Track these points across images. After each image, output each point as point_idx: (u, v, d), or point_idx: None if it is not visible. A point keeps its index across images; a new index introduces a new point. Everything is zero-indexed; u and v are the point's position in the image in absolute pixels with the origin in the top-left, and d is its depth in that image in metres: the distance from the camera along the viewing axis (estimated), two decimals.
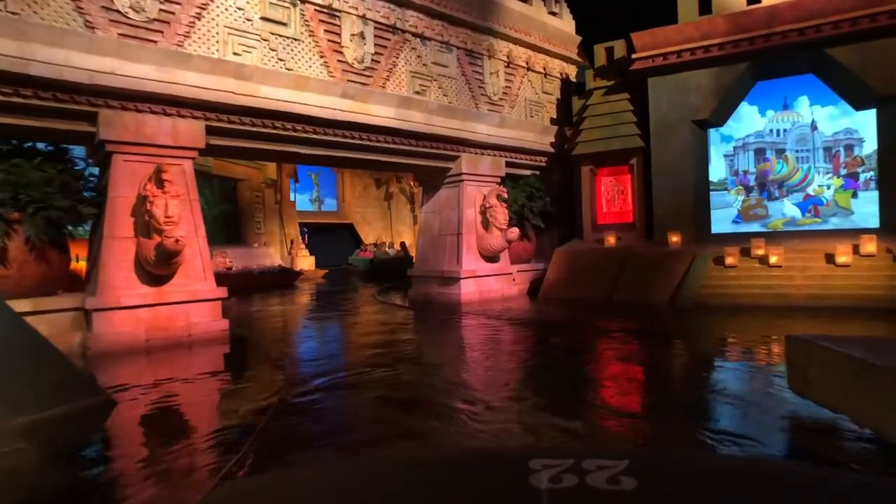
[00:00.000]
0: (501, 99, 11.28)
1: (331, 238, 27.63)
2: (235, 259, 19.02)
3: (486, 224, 10.55)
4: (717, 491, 1.04)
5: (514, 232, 10.14)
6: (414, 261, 11.69)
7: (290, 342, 7.49)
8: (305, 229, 27.04)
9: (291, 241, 24.07)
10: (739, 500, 1.01)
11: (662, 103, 9.99)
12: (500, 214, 10.33)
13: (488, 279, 10.74)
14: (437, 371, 5.39)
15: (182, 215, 7.19)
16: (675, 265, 9.45)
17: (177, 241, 6.32)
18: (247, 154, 8.91)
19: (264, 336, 7.89)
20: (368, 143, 9.03)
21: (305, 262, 23.37)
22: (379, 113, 8.88)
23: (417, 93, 9.68)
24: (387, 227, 29.30)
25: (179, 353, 6.73)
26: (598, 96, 11.01)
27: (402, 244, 24.22)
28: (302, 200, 27.08)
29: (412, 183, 27.02)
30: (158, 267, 6.71)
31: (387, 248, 24.66)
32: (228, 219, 22.61)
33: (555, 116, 12.58)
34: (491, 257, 10.79)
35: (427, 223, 11.38)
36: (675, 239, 9.80)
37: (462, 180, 10.61)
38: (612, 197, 11.22)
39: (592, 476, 1.02)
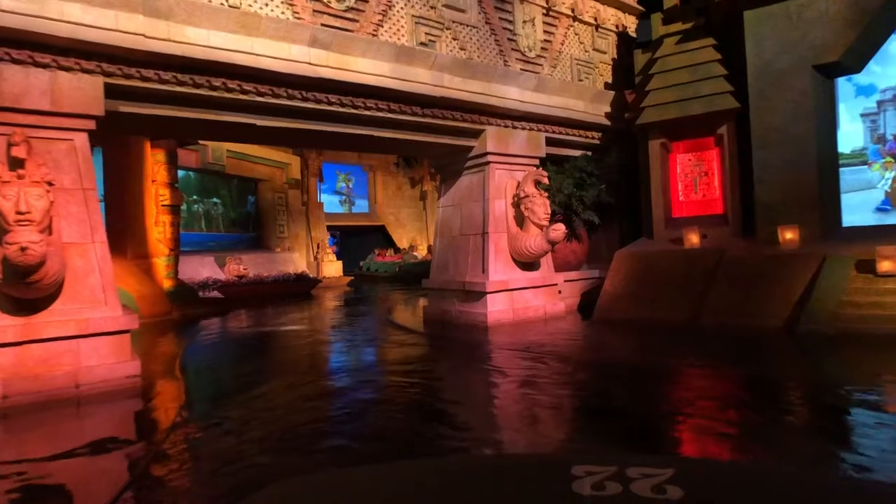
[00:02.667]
0: (539, 56, 8.63)
1: (361, 241, 25.65)
2: (253, 266, 17.31)
3: (521, 220, 7.93)
4: (763, 501, 1.06)
5: (559, 230, 7.47)
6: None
7: (221, 398, 5.13)
8: (338, 232, 25.26)
9: (318, 246, 22.17)
10: None
11: (766, 45, 7.08)
12: (540, 207, 7.69)
13: (524, 293, 8.10)
14: None
15: (70, 212, 5.00)
16: (793, 273, 6.54)
17: (22, 249, 4.09)
18: (180, 128, 6.62)
19: (196, 379, 5.63)
20: (353, 111, 6.60)
21: (332, 267, 21.42)
22: (367, 69, 6.44)
23: (423, 44, 7.19)
24: (422, 229, 26.99)
25: (58, 416, 4.51)
26: (671, 46, 8.19)
27: (430, 248, 22.43)
28: (331, 202, 25.21)
29: None
30: (11, 287, 4.50)
31: (415, 252, 22.78)
32: (249, 222, 20.98)
33: (610, 80, 9.81)
34: (528, 263, 8.16)
35: (445, 221, 8.87)
36: (789, 235, 6.87)
37: (488, 162, 8.04)
38: (692, 181, 8.35)
39: (637, 484, 1.04)
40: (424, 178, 26.93)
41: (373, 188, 27.05)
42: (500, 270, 7.87)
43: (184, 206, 18.38)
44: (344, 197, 26.27)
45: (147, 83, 5.35)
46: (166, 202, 11.61)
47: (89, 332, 4.92)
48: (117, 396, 4.92)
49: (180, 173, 17.52)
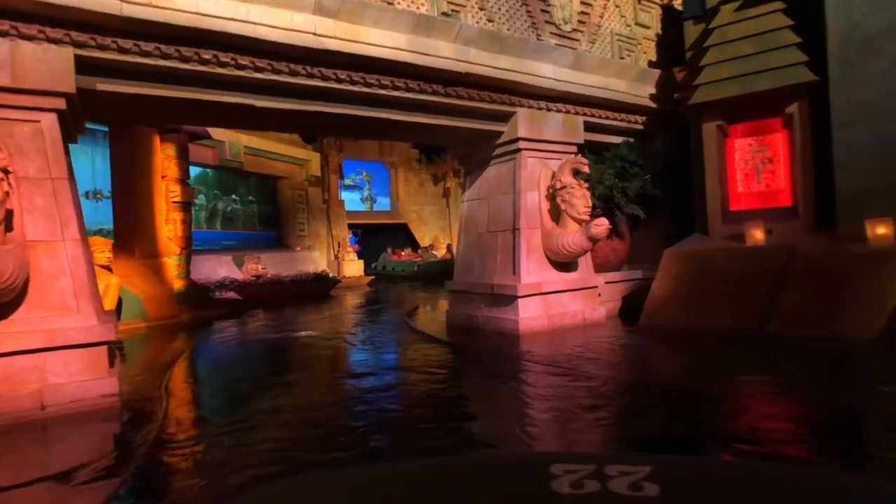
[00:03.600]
0: (575, 30, 7.68)
1: (383, 240, 24.99)
2: (272, 265, 16.77)
3: (558, 214, 7.02)
4: (742, 497, 1.06)
5: (602, 225, 6.54)
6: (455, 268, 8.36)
7: (211, 421, 4.35)
8: (359, 231, 24.69)
9: (338, 244, 21.58)
10: None
11: (852, 5, 6.00)
12: (579, 199, 6.76)
13: (560, 297, 7.18)
14: None
15: (35, 205, 4.31)
16: (889, 275, 5.48)
17: None
18: (168, 111, 5.74)
19: (187, 395, 4.85)
20: (365, 89, 5.77)
21: (353, 266, 20.78)
22: (380, 41, 5.61)
23: (445, 14, 6.33)
24: (445, 227, 26.17)
25: (18, 442, 3.81)
26: (729, 14, 7.14)
27: (449, 246, 22.45)
28: (352, 200, 24.60)
29: None
30: None
31: (434, 251, 22.54)
32: (269, 220, 20.47)
33: (654, 58, 8.79)
34: (564, 263, 7.24)
35: (470, 216, 7.99)
36: (882, 230, 5.80)
37: (519, 150, 7.14)
38: (753, 168, 7.30)
39: (615, 482, 1.06)
40: (448, 174, 26.14)
41: (395, 185, 26.34)
42: (533, 271, 6.97)
43: (213, 203, 18.13)
44: (366, 194, 25.63)
45: (126, 56, 4.61)
46: (177, 199, 11.00)
47: (57, 344, 4.20)
48: (91, 418, 4.20)
49: (197, 170, 17.15)
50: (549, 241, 6.92)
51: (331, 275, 17.50)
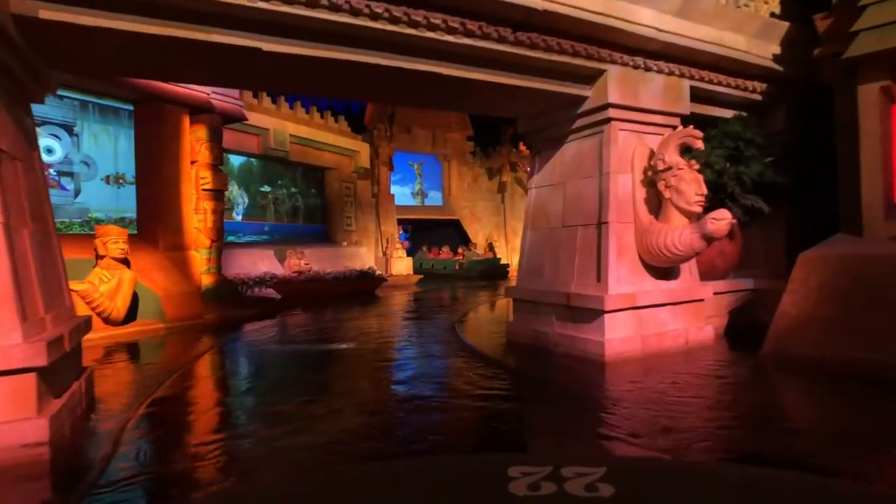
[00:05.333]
0: None
1: (433, 236, 23.70)
2: (316, 260, 15.82)
3: (657, 204, 5.34)
4: (694, 496, 1.13)
5: (724, 219, 4.80)
6: (518, 272, 6.77)
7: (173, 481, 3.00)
8: (409, 226, 23.55)
9: (387, 240, 20.47)
10: None
11: None
12: (690, 184, 5.05)
13: (658, 312, 5.49)
14: None
15: None
16: None
17: None
18: (146, 55, 4.14)
19: (150, 442, 3.54)
20: (410, 30, 4.30)
21: (401, 264, 19.63)
22: None
23: None
24: (499, 224, 24.54)
25: None
26: None
27: (490, 245, 22.03)
28: (402, 194, 23.43)
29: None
30: None
31: (476, 249, 21.89)
32: (316, 214, 19.56)
33: (778, 10, 6.90)
34: (663, 269, 5.55)
35: (539, 206, 6.39)
36: None
37: (608, 120, 5.49)
38: None
39: (571, 483, 1.16)
40: (504, 168, 24.50)
41: (447, 179, 24.95)
42: (625, 278, 5.32)
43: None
44: (417, 188, 24.38)
45: None
46: (208, 186, 9.97)
47: None
48: (8, 478, 2.96)
49: (241, 159, 16.34)
50: (647, 238, 5.24)
51: (377, 272, 16.29)
